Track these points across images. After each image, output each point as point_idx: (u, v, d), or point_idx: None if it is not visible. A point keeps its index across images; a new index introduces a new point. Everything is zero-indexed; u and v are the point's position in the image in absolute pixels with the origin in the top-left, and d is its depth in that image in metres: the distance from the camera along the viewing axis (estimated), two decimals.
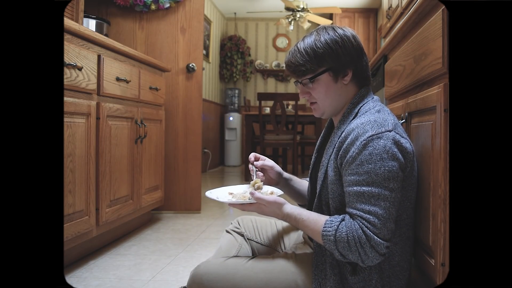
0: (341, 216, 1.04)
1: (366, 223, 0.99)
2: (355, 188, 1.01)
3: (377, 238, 0.98)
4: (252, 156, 1.30)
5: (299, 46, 1.13)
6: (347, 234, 0.99)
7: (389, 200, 1.00)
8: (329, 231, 1.02)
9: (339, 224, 1.01)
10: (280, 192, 1.23)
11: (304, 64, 1.12)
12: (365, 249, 0.98)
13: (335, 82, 1.13)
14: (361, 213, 1.00)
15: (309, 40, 1.12)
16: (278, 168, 1.33)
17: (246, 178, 5.05)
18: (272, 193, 1.21)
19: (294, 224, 1.11)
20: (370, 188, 1.00)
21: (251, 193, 1.11)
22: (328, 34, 1.12)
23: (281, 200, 1.12)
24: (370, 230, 0.99)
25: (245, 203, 1.14)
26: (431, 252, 1.08)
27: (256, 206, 1.12)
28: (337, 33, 1.12)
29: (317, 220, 1.06)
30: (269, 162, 1.31)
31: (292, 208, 1.12)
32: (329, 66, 1.11)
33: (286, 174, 1.36)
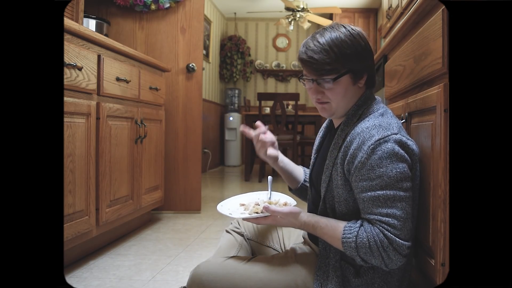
0: (359, 221, 1.03)
1: (386, 226, 0.98)
2: (369, 193, 1.01)
3: (399, 240, 0.98)
4: (259, 126, 1.22)
5: (322, 42, 1.06)
6: (368, 240, 0.99)
7: (404, 200, 1.00)
8: (349, 238, 1.01)
9: (359, 229, 1.01)
10: (294, 202, 1.22)
11: (331, 63, 1.06)
12: (388, 253, 0.98)
13: (353, 85, 1.11)
14: (379, 217, 0.99)
15: (334, 38, 1.06)
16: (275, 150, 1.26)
17: (246, 178, 5.05)
18: (285, 203, 1.20)
19: (312, 231, 1.10)
20: (384, 192, 0.99)
21: (265, 208, 1.09)
22: (352, 35, 1.08)
23: (297, 209, 1.11)
24: (391, 233, 0.98)
25: (259, 217, 1.12)
26: (431, 252, 1.08)
27: (272, 218, 1.11)
28: (361, 35, 1.10)
29: (335, 227, 1.05)
30: (270, 135, 1.25)
31: (308, 216, 1.11)
32: (352, 67, 1.08)
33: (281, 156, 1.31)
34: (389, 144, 1.00)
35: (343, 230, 1.03)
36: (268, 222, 1.11)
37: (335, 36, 1.06)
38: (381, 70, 2.14)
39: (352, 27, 1.11)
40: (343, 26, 1.10)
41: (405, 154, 1.02)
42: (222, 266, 1.15)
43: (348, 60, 1.07)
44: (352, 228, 1.02)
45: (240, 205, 1.22)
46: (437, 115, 1.03)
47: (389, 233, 0.98)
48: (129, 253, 2.10)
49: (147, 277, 1.76)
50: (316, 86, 1.11)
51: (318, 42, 1.07)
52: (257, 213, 1.13)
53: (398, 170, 0.99)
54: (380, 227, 0.99)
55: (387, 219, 0.99)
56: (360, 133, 1.04)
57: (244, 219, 1.15)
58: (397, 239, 0.98)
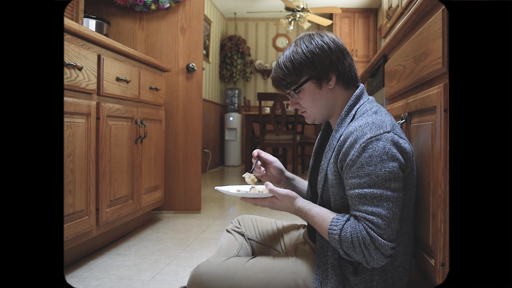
0: (347, 216, 1.04)
1: (370, 224, 0.99)
2: (357, 190, 1.01)
3: (382, 239, 0.98)
4: (256, 151, 1.31)
5: (279, 61, 1.16)
6: (351, 235, 1.00)
7: (391, 200, 1.00)
8: (334, 230, 1.03)
9: (344, 223, 1.02)
10: None
11: (284, 78, 1.14)
12: (369, 251, 0.99)
13: (320, 89, 1.14)
14: (364, 214, 1.00)
15: (287, 53, 1.14)
16: (280, 164, 1.34)
17: None
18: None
19: (304, 218, 1.13)
20: (372, 190, 1.00)
21: (266, 184, 1.13)
22: (305, 43, 1.13)
23: (293, 194, 1.13)
24: (374, 231, 0.99)
25: (257, 198, 1.15)
26: (431, 252, 1.08)
27: (269, 200, 1.14)
28: (314, 41, 1.13)
29: (325, 217, 1.07)
30: (271, 157, 1.33)
31: (303, 202, 1.13)
32: (310, 74, 1.12)
33: (288, 173, 1.37)
34: (380, 142, 1.01)
35: (331, 222, 1.04)
36: (265, 204, 1.15)
37: (289, 52, 1.14)
38: (381, 70, 2.15)
39: (316, 38, 1.13)
40: (304, 39, 1.15)
41: (397, 153, 1.02)
42: (223, 266, 1.15)
43: (300, 70, 1.12)
44: (339, 221, 1.03)
45: (237, 190, 1.23)
46: (437, 115, 1.03)
47: (372, 231, 0.99)
48: (129, 253, 2.10)
49: (147, 277, 1.76)
50: (291, 99, 1.19)
51: (278, 61, 1.17)
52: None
53: (387, 169, 1.00)
54: (364, 224, 1.00)
55: (371, 217, 0.99)
56: (353, 132, 1.04)
57: (242, 198, 1.18)
58: (379, 238, 0.98)
